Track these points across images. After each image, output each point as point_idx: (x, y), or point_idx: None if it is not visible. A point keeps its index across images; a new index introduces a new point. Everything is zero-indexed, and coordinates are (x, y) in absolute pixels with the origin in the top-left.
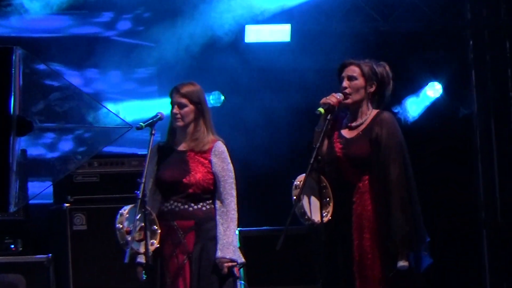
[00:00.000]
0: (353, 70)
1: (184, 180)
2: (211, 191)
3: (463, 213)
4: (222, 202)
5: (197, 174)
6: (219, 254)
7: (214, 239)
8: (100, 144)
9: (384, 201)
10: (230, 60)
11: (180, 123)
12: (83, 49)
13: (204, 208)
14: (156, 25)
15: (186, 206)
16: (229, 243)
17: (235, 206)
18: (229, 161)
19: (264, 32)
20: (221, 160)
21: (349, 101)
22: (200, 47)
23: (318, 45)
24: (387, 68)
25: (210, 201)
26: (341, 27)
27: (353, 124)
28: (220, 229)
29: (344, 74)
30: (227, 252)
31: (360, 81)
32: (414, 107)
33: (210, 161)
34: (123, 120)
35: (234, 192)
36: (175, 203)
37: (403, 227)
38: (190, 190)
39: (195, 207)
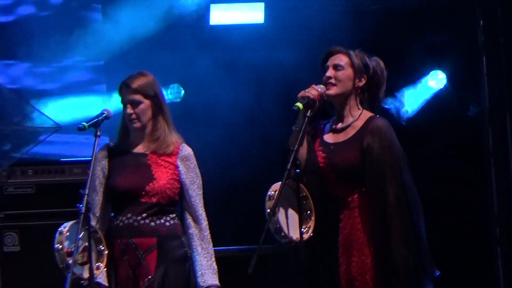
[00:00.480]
0: (340, 59)
1: (146, 187)
2: (176, 202)
3: (473, 229)
4: (194, 218)
5: (162, 180)
6: (209, 281)
7: (179, 261)
8: (24, 147)
9: (381, 227)
10: (191, 47)
11: (137, 124)
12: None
13: (167, 224)
14: (101, 3)
15: (147, 221)
16: (213, 268)
17: (207, 221)
18: (197, 168)
19: (233, 12)
20: (191, 167)
21: (332, 92)
22: (155, 32)
23: (297, 28)
24: (382, 64)
25: (174, 215)
26: (326, 5)
27: (339, 126)
28: (199, 251)
29: (329, 63)
30: (214, 278)
31: (348, 71)
32: (411, 100)
33: (176, 167)
34: (51, 120)
35: (203, 204)
36: (133, 217)
37: (407, 261)
38: (154, 200)
39: (158, 222)
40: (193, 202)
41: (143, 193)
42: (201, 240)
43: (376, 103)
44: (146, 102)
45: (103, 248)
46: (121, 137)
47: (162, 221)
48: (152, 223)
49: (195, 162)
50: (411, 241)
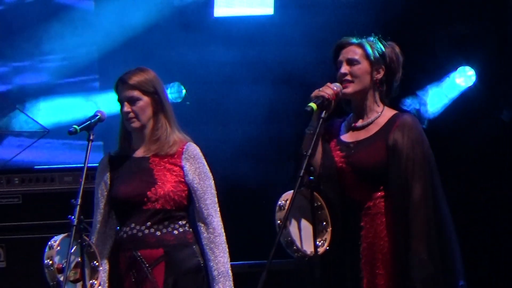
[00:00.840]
0: (354, 52)
1: (148, 193)
2: (185, 207)
3: (502, 242)
4: (205, 224)
5: (166, 185)
6: None
7: (191, 273)
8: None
9: (404, 230)
10: (194, 41)
11: (135, 124)
12: None
13: (176, 232)
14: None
15: (152, 230)
16: (228, 276)
17: (222, 226)
18: (207, 167)
19: (239, 3)
20: (197, 166)
21: (349, 90)
22: (155, 26)
23: (310, 20)
24: (397, 49)
25: (184, 222)
26: None
27: (359, 124)
28: (212, 259)
29: (342, 58)
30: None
31: (364, 65)
32: (435, 99)
33: (181, 168)
34: (38, 123)
35: (217, 208)
36: (137, 227)
37: (426, 266)
38: (158, 206)
39: (164, 230)
40: (202, 206)
41: (145, 199)
42: (213, 247)
43: (391, 92)
44: (145, 99)
45: (97, 264)
46: (121, 142)
47: (170, 229)
48: (158, 232)
49: (203, 161)
50: (434, 244)
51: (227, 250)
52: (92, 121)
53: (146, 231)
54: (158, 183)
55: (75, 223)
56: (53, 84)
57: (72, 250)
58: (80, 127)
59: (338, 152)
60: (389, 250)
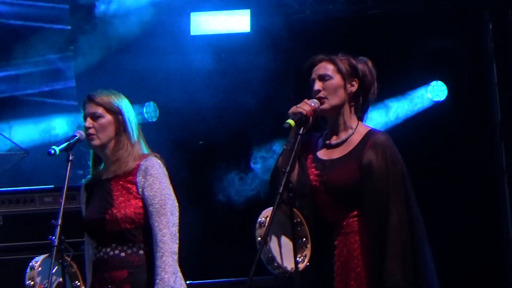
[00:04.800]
0: (326, 68)
1: (106, 216)
2: (149, 225)
3: (485, 255)
4: (156, 241)
5: (123, 205)
6: None
7: None
8: None
9: (379, 250)
10: (170, 59)
11: (95, 142)
12: None
13: (141, 252)
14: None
15: (117, 252)
16: None
17: (174, 245)
18: (165, 182)
19: (216, 21)
20: (152, 181)
21: (326, 106)
22: (130, 43)
23: (286, 37)
24: (370, 64)
25: (150, 241)
26: (317, 11)
27: (334, 141)
28: (157, 283)
29: (314, 75)
30: None
31: (336, 80)
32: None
33: (136, 184)
34: (17, 145)
35: (172, 224)
36: (103, 249)
37: (399, 283)
38: (118, 228)
39: (129, 251)
40: (154, 221)
41: (105, 222)
42: (159, 269)
43: (366, 107)
44: (108, 118)
45: (79, 284)
46: (93, 165)
47: (135, 249)
48: (123, 254)
49: (158, 172)
50: (409, 268)
51: (176, 272)
52: (71, 141)
53: (111, 253)
54: (115, 204)
55: (55, 243)
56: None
57: (54, 271)
58: (59, 148)
59: (313, 169)
60: (362, 269)
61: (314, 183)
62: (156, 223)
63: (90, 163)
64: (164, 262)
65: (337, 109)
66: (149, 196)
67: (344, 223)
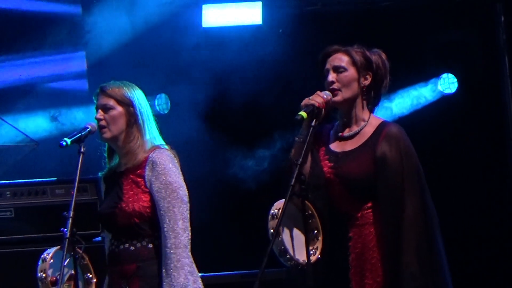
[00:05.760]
0: (340, 59)
1: (116, 210)
2: (157, 219)
3: (495, 252)
4: (165, 235)
5: (132, 199)
6: None
7: None
8: None
9: (395, 242)
10: (182, 52)
11: (106, 134)
12: None
13: (150, 246)
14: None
15: (127, 245)
16: None
17: (185, 239)
18: (174, 173)
19: (228, 13)
20: (159, 172)
21: (338, 98)
22: (143, 36)
23: (298, 29)
24: (383, 56)
25: (159, 235)
26: (329, 3)
27: (346, 133)
28: (164, 278)
29: (328, 66)
30: None
31: (350, 72)
32: (405, 101)
33: (143, 178)
34: (27, 136)
35: (181, 218)
36: (115, 243)
37: (418, 278)
38: (127, 221)
39: (138, 245)
40: (163, 215)
41: (116, 216)
42: (166, 264)
43: (378, 100)
44: (119, 109)
45: (91, 276)
46: (108, 157)
47: (144, 243)
48: (132, 247)
49: (169, 165)
50: (426, 257)
51: (185, 265)
52: (83, 133)
53: (121, 247)
54: (124, 199)
55: (67, 235)
56: (41, 95)
57: (66, 263)
58: (71, 140)
59: (327, 161)
60: (378, 260)
61: (328, 175)
62: (165, 216)
63: (106, 154)
64: (171, 256)
65: (349, 102)
66: (157, 189)
67: (359, 214)
